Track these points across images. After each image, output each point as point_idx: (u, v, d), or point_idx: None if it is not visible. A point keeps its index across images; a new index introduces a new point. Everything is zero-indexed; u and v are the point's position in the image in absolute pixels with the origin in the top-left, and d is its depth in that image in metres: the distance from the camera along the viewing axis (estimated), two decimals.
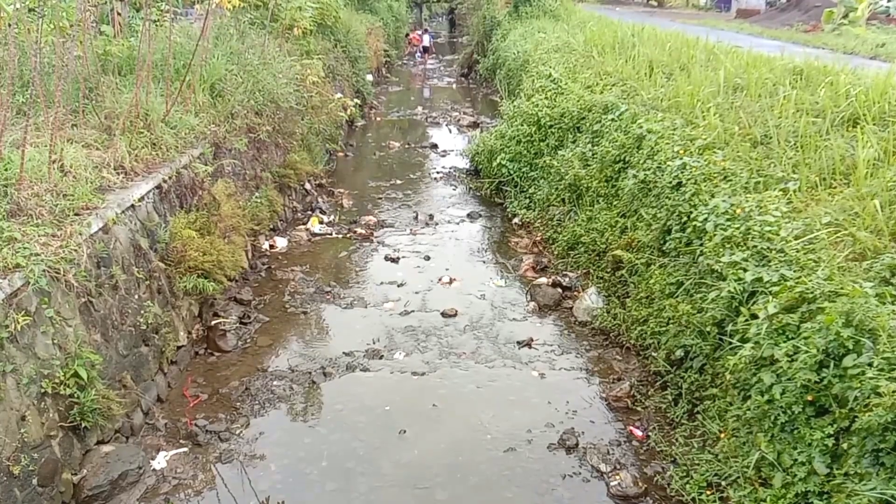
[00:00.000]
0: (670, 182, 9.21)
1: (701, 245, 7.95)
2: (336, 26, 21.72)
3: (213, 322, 9.67)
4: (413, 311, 10.53)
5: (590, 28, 21.79)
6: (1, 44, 8.41)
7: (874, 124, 8.93)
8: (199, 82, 10.85)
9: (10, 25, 7.95)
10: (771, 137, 9.37)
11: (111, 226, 7.52)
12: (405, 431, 7.73)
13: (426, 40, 42.52)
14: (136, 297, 7.92)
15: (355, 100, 20.60)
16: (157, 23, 10.82)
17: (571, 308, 10.45)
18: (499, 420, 7.95)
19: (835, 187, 7.94)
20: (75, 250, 6.66)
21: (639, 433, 7.61)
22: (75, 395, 6.41)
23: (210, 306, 9.84)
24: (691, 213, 8.39)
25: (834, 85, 10.52)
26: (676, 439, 7.15)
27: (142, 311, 7.92)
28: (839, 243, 6.79)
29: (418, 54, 42.03)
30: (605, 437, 7.66)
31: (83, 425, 6.53)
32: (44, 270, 6.18)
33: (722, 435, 6.46)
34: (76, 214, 7.07)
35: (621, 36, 18.72)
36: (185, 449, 7.35)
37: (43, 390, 6.10)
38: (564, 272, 11.31)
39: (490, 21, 32.94)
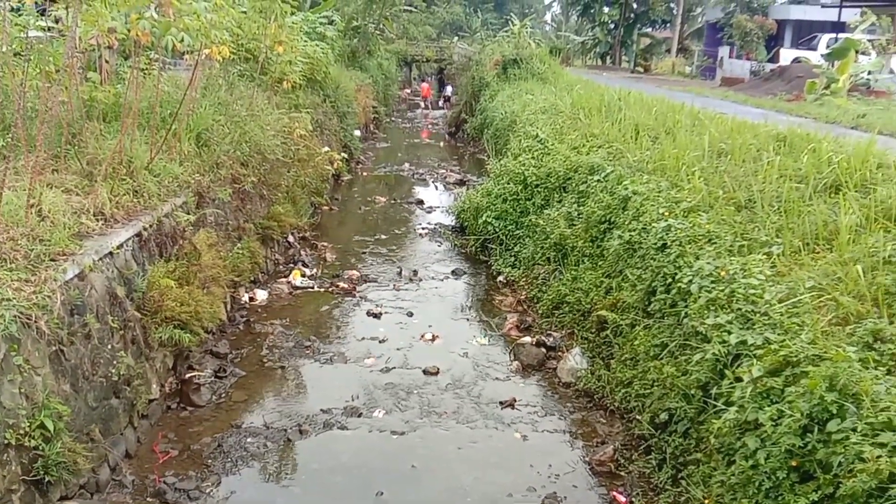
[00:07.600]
0: (655, 243, 9.22)
1: (685, 307, 7.91)
2: (325, 82, 21.96)
3: (187, 375, 9.44)
4: (394, 367, 10.35)
5: (577, 91, 22.13)
6: None
7: (856, 191, 9.02)
8: (185, 131, 10.84)
9: None
10: (755, 202, 9.44)
11: (87, 273, 7.37)
12: (382, 493, 7.49)
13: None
14: (110, 346, 7.73)
15: (342, 154, 20.68)
16: (146, 71, 10.85)
17: (555, 368, 10.31)
18: (479, 483, 7.74)
19: (818, 252, 7.96)
20: (49, 297, 6.50)
21: (622, 499, 7.42)
22: (40, 448, 6.16)
23: (185, 359, 9.62)
24: (676, 274, 8.38)
25: (816, 152, 10.65)
26: None
27: (114, 362, 7.70)
28: (822, 307, 6.77)
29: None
30: (588, 502, 7.47)
31: (47, 479, 6.26)
32: (15, 316, 6.01)
33: (706, 501, 6.30)
34: (52, 260, 6.91)
35: (608, 99, 18.99)
36: None
37: (6, 441, 5.86)
38: (549, 332, 11.20)
39: (479, 81, 33.48)
